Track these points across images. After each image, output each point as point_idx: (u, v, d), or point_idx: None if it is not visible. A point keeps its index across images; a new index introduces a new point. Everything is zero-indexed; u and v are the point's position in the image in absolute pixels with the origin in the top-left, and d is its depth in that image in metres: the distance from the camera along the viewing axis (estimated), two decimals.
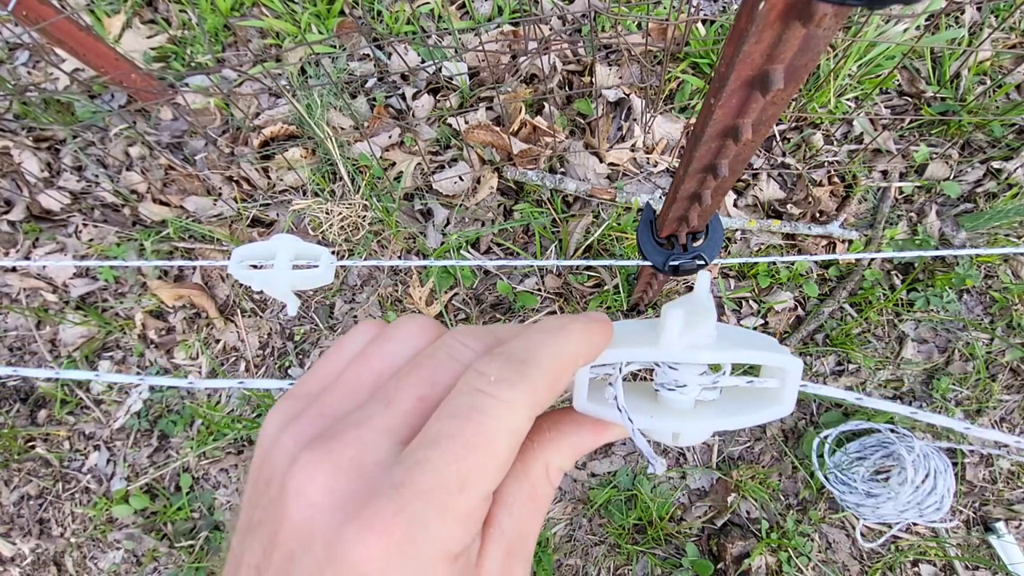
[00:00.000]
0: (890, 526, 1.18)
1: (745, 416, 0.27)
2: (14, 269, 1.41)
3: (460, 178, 1.34)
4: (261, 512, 0.22)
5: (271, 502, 0.21)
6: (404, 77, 1.44)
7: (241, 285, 1.38)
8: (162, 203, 1.41)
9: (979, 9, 1.40)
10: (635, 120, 1.35)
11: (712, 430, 0.28)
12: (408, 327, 0.26)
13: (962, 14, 1.40)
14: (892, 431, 1.16)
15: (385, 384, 0.23)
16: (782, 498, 1.23)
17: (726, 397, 0.30)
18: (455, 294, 1.32)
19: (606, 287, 1.28)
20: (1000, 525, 1.17)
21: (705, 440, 0.28)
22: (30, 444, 1.36)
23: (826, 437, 1.19)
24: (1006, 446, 1.22)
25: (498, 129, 1.33)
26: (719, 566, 1.18)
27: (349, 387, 0.24)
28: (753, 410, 0.28)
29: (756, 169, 1.35)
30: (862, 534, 1.19)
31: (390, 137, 1.40)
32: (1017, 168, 1.31)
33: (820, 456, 1.19)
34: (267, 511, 0.21)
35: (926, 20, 1.36)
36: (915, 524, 1.19)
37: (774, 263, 1.30)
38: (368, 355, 0.25)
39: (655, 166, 1.35)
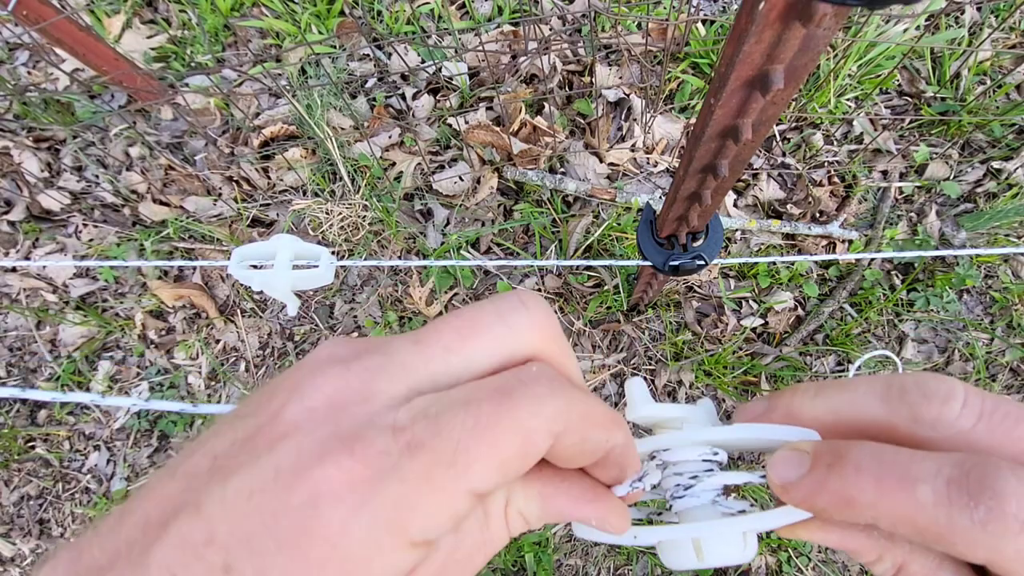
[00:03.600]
0: None
1: (772, 516, 0.23)
2: (14, 269, 1.41)
3: (460, 178, 1.34)
4: (252, 407, 0.20)
5: (270, 399, 0.20)
6: (404, 77, 1.44)
7: (241, 285, 1.38)
8: (162, 203, 1.41)
9: (979, 9, 1.40)
10: (635, 120, 1.35)
11: (738, 532, 0.24)
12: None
13: (962, 14, 1.40)
14: None
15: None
16: None
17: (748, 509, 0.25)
18: (455, 294, 1.32)
19: (606, 287, 1.28)
20: None
21: (744, 559, 0.24)
22: (30, 444, 1.36)
23: None
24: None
25: (498, 129, 1.33)
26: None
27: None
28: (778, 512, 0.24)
29: (756, 169, 1.35)
30: None
31: (390, 137, 1.39)
32: (1017, 168, 1.31)
33: None
34: (259, 408, 0.20)
35: (926, 20, 1.36)
36: None
37: (774, 263, 1.30)
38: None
39: (655, 166, 1.35)
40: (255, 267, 0.64)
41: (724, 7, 1.47)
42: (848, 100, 1.36)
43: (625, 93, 1.36)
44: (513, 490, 0.22)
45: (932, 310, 1.28)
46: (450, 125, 1.38)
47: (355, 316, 1.34)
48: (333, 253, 0.67)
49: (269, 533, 0.17)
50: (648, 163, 1.35)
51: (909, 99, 1.38)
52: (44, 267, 1.41)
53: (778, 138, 1.36)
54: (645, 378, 1.26)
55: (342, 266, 0.96)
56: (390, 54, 1.51)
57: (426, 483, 0.17)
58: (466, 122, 1.37)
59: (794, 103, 1.35)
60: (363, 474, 0.17)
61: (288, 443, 0.18)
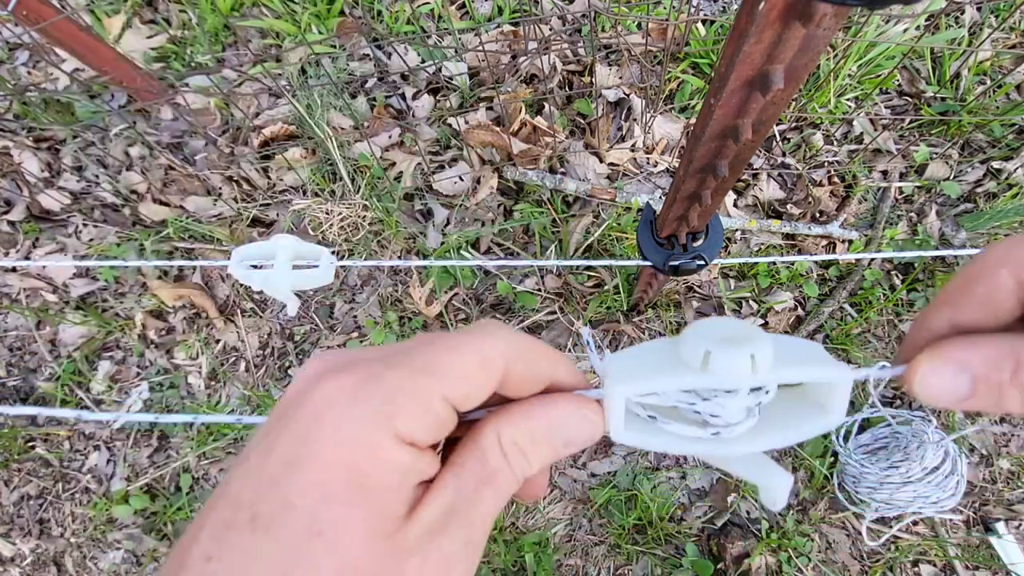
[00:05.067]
0: (896, 520, 1.17)
1: (791, 431, 0.25)
2: (14, 269, 1.41)
3: (460, 178, 1.34)
4: (274, 422, 0.23)
5: (288, 406, 0.22)
6: (404, 77, 1.44)
7: (241, 285, 1.38)
8: (162, 203, 1.41)
9: (979, 9, 1.40)
10: (635, 120, 1.35)
11: (758, 450, 0.25)
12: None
13: (962, 14, 1.40)
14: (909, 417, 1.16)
15: None
16: None
17: (765, 414, 0.26)
18: (455, 294, 1.32)
19: (606, 287, 1.28)
20: (1000, 525, 1.17)
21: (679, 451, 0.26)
22: (30, 444, 1.36)
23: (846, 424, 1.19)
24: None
25: (498, 129, 1.33)
26: (719, 566, 1.18)
27: None
28: (797, 424, 0.25)
29: (756, 169, 1.35)
30: (868, 528, 1.18)
31: (390, 137, 1.39)
32: (1017, 168, 1.31)
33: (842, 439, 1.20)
34: (281, 418, 0.22)
35: (926, 20, 1.36)
36: (915, 524, 1.19)
37: (774, 263, 1.30)
38: None
39: (655, 166, 1.35)
40: (255, 267, 0.64)
41: (724, 7, 1.47)
42: (848, 100, 1.36)
43: (625, 93, 1.36)
44: (500, 422, 0.24)
45: None
46: (450, 125, 1.38)
47: (355, 316, 1.34)
48: (333, 253, 0.67)
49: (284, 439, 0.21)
50: (648, 163, 1.35)
51: (909, 99, 1.38)
52: (44, 267, 1.41)
53: (778, 138, 1.36)
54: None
55: (342, 266, 0.96)
56: (390, 54, 1.51)
57: (406, 385, 0.21)
58: (466, 122, 1.37)
59: (794, 103, 1.35)
60: (349, 379, 0.21)
61: (302, 405, 0.22)
